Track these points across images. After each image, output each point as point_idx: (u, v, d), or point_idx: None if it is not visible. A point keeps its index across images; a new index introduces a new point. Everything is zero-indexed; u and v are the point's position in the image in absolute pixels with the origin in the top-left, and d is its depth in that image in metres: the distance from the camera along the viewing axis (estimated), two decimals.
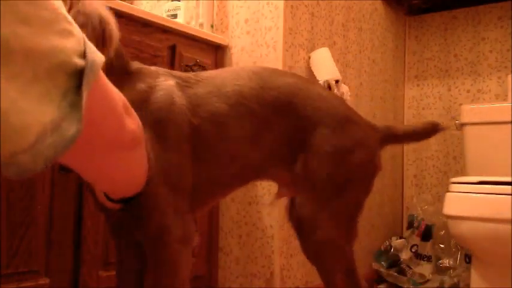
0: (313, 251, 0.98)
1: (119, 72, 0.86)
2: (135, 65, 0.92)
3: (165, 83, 0.90)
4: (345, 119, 0.98)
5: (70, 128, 0.43)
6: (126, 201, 0.76)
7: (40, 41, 0.41)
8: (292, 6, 1.89)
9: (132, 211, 0.82)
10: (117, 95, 0.56)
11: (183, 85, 0.93)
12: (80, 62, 0.44)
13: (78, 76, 0.44)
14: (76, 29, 0.46)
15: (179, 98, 0.90)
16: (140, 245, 0.92)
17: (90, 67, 0.45)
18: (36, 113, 0.41)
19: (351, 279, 1.05)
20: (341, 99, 1.04)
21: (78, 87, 0.44)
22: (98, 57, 0.47)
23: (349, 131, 0.98)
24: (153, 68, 0.94)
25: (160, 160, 0.83)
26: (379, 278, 2.41)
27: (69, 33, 0.44)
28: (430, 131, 1.13)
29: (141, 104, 0.86)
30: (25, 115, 0.40)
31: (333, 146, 0.95)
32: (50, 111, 0.42)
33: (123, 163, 0.64)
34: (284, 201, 1.86)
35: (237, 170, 0.96)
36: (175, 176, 0.86)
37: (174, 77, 0.93)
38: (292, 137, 0.96)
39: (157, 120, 0.86)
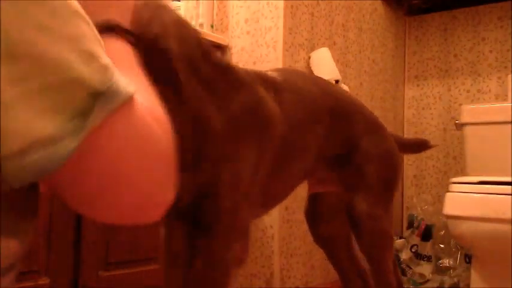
0: (371, 242, 1.09)
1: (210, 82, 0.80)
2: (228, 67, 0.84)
3: (263, 92, 0.86)
4: (381, 126, 1.14)
5: (67, 145, 0.40)
6: None
7: (53, 52, 0.39)
8: (292, 6, 1.89)
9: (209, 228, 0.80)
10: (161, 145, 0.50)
11: (268, 88, 0.89)
12: (100, 86, 0.42)
13: (98, 99, 0.42)
14: (104, 55, 0.44)
15: (275, 106, 0.88)
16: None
17: (112, 94, 0.43)
18: (31, 124, 0.39)
19: (395, 268, 1.18)
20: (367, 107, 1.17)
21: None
22: (123, 88, 0.44)
23: (386, 136, 1.14)
24: (241, 71, 0.87)
25: (253, 181, 0.82)
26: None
27: (92, 55, 0.43)
28: (421, 146, 1.32)
29: (246, 117, 0.82)
30: (17, 123, 0.38)
31: (381, 150, 1.10)
32: (50, 126, 0.40)
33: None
34: (284, 203, 1.86)
35: (298, 169, 1.01)
36: (253, 191, 0.85)
37: (262, 80, 0.89)
38: (345, 142, 1.07)
39: (263, 135, 0.83)
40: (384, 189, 1.11)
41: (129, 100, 0.45)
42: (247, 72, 0.87)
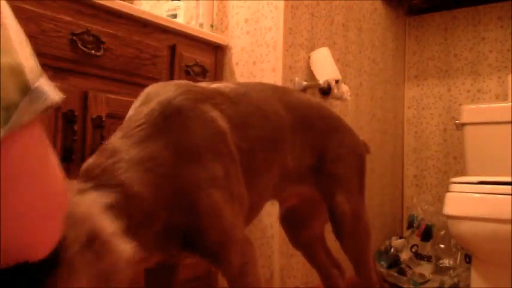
0: (355, 242, 1.11)
1: None
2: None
3: (205, 111, 0.86)
4: (342, 121, 1.13)
5: None
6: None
7: (4, 36, 0.38)
8: (292, 6, 1.89)
9: (206, 251, 0.82)
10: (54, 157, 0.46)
11: (215, 103, 0.88)
12: (33, 83, 0.40)
13: (24, 95, 0.39)
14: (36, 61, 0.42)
15: (222, 121, 0.87)
16: (168, 272, 0.97)
17: (38, 95, 0.40)
18: None
19: (374, 263, 1.24)
20: (324, 104, 1.18)
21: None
22: (53, 94, 0.42)
23: (349, 129, 1.13)
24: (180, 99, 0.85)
25: (233, 192, 0.83)
26: (379, 278, 2.41)
27: (32, 53, 0.41)
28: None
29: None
30: None
31: (348, 147, 1.10)
32: None
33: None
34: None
35: (277, 183, 1.02)
36: (238, 203, 0.86)
37: (206, 98, 0.88)
38: (314, 151, 1.07)
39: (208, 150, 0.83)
40: (359, 184, 1.12)
41: (52, 106, 0.41)
42: (200, 92, 0.86)
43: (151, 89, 0.86)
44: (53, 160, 0.45)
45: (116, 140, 0.78)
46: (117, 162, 0.74)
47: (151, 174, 0.75)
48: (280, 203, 1.22)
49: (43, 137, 0.43)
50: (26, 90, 0.39)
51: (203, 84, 0.92)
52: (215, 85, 0.94)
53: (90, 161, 0.76)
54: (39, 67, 0.43)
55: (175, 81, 0.88)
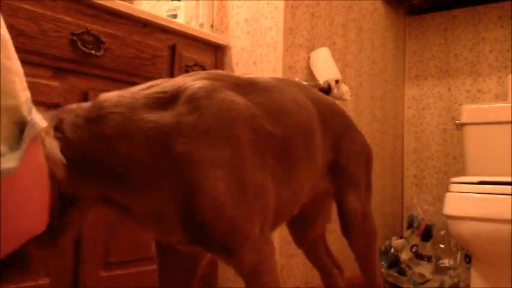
0: (364, 241, 1.12)
1: None
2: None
3: (224, 91, 0.82)
4: (352, 120, 1.15)
5: (8, 163, 0.48)
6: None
7: (7, 79, 0.48)
8: (292, 6, 1.89)
9: (218, 247, 0.77)
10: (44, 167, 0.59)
11: (244, 91, 0.85)
12: (27, 116, 0.51)
13: (21, 129, 0.51)
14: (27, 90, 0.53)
15: (247, 105, 0.82)
16: (185, 269, 0.91)
17: (32, 125, 0.52)
18: None
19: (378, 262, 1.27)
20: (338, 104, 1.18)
21: (19, 137, 0.51)
22: (40, 121, 0.54)
23: (359, 130, 1.16)
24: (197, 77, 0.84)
25: (243, 183, 0.76)
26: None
27: (26, 88, 0.51)
28: None
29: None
30: None
31: (359, 145, 1.12)
32: None
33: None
34: None
35: (310, 182, 0.98)
36: (261, 198, 0.80)
37: (230, 85, 0.84)
38: (333, 146, 1.08)
39: (226, 135, 0.77)
40: (367, 182, 1.14)
41: (41, 131, 0.54)
42: (220, 77, 0.84)
43: (181, 76, 0.85)
44: (43, 168, 0.59)
45: (132, 92, 0.79)
46: (122, 113, 0.75)
47: (147, 137, 0.74)
48: None
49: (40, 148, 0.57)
50: (23, 124, 0.51)
51: (236, 75, 0.90)
52: (248, 76, 0.92)
53: (108, 96, 0.78)
54: (30, 96, 0.54)
55: (208, 71, 0.86)
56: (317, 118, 1.00)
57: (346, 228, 1.11)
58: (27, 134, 0.51)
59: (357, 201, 1.09)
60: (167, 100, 0.77)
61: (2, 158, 0.48)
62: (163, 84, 0.80)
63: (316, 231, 1.25)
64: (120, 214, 0.79)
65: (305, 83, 1.91)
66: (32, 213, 0.57)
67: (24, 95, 0.52)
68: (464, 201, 1.78)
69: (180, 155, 0.73)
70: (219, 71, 0.87)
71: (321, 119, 1.02)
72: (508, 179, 1.74)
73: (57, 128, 0.72)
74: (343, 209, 1.09)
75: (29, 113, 0.52)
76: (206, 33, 1.88)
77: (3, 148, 0.48)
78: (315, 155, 0.97)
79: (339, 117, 1.09)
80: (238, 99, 0.81)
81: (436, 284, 2.24)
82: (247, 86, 0.86)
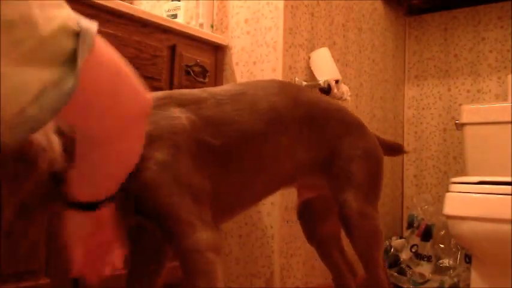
0: (363, 240, 1.13)
1: None
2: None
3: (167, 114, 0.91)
4: (359, 125, 1.18)
5: (68, 83, 0.49)
6: (85, 207, 0.76)
7: (37, 11, 0.47)
8: (292, 6, 1.89)
9: (161, 225, 0.84)
10: (122, 62, 0.60)
11: (195, 108, 0.94)
12: (76, 26, 0.51)
13: (76, 39, 0.51)
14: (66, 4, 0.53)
15: (189, 120, 0.92)
16: (154, 251, 0.98)
17: (86, 31, 0.51)
18: (36, 74, 0.47)
19: (384, 263, 1.21)
20: (346, 108, 1.20)
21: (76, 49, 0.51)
22: (91, 24, 0.53)
23: (366, 134, 1.18)
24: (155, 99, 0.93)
25: (180, 175, 0.86)
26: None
27: (61, 5, 0.51)
28: (395, 150, 1.37)
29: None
30: (25, 75, 0.46)
31: (362, 149, 1.15)
32: (51, 72, 0.48)
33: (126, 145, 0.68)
34: (284, 203, 1.86)
35: (269, 179, 1.05)
36: (196, 189, 0.88)
37: (181, 103, 0.94)
38: (321, 146, 1.12)
39: (171, 145, 0.88)
40: (371, 186, 1.15)
41: (96, 35, 0.53)
42: (163, 97, 0.93)
43: None
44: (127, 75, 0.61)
45: None
46: None
47: None
48: (298, 195, 1.27)
49: (105, 45, 0.57)
50: (75, 34, 0.51)
51: (197, 91, 0.98)
52: (213, 89, 1.00)
53: None
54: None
55: (169, 91, 0.96)
56: (296, 118, 1.06)
57: (344, 226, 1.14)
58: (82, 45, 0.51)
59: (354, 201, 1.11)
60: None
61: (62, 81, 0.49)
62: None
63: (327, 229, 1.27)
64: None
65: (305, 83, 1.91)
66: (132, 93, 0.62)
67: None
68: (464, 201, 1.78)
69: None
70: (181, 90, 0.97)
71: (305, 119, 1.08)
72: (508, 179, 1.74)
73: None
74: (339, 207, 1.13)
75: (77, 24, 0.52)
76: (206, 33, 1.88)
77: (60, 71, 0.49)
78: (278, 155, 1.04)
79: (334, 121, 1.13)
80: (181, 115, 0.92)
81: (436, 284, 2.24)
82: (199, 103, 0.95)
